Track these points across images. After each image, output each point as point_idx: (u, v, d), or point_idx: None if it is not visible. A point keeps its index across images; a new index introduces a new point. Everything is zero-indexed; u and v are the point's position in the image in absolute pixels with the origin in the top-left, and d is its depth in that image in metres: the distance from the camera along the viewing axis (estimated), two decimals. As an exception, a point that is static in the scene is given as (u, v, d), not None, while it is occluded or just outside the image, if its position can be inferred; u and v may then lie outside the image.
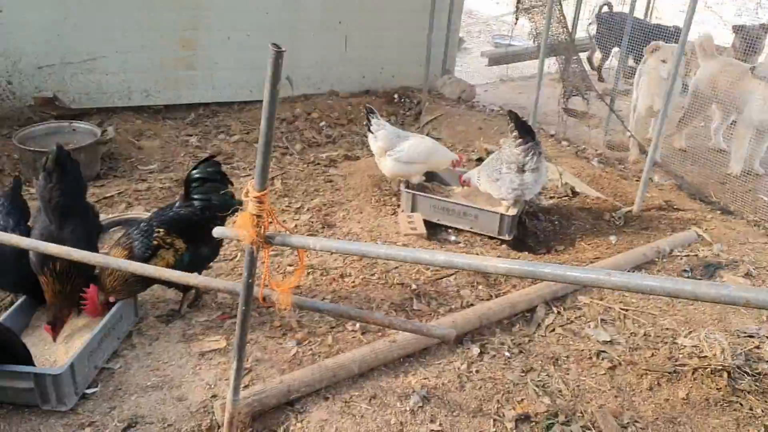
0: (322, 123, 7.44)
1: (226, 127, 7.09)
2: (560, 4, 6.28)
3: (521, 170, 4.81)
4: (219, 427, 3.13)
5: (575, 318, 4.09)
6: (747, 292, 1.56)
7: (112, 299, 3.66)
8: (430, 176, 5.68)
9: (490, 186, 5.04)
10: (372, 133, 5.31)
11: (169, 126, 7.00)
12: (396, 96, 8.25)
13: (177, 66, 7.26)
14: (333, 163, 6.44)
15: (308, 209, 5.37)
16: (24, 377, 3.12)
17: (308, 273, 4.39)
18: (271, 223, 2.60)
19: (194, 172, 3.86)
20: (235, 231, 2.63)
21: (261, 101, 7.15)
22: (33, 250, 3.11)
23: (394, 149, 5.26)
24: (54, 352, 3.53)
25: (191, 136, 6.81)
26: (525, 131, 4.82)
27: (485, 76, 9.84)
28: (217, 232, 2.84)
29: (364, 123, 5.41)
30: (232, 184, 4.01)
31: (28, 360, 3.24)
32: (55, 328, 3.49)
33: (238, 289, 2.80)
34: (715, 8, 12.61)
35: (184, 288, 3.92)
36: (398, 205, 5.45)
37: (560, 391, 3.49)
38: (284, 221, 5.13)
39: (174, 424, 3.14)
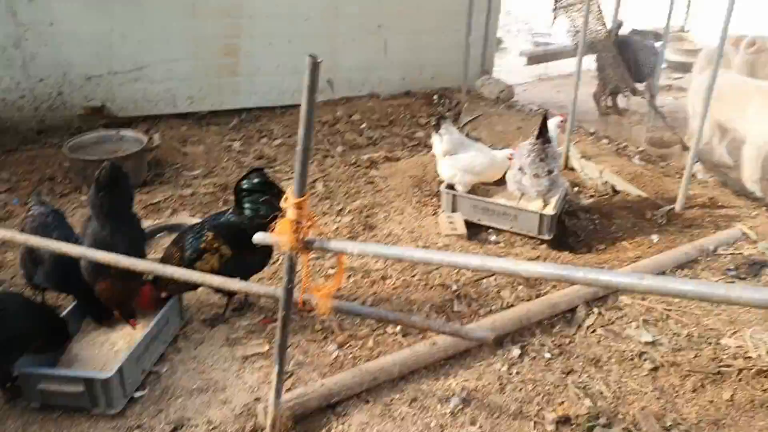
0: (363, 125, 7.50)
1: (268, 131, 7.22)
2: (597, 1, 6.23)
3: (522, 171, 4.85)
4: (262, 429, 3.20)
5: (616, 318, 4.06)
6: (781, 296, 1.55)
7: (164, 295, 3.82)
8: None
9: (511, 184, 5.09)
10: (439, 135, 5.40)
11: (213, 132, 7.16)
12: (436, 97, 8.25)
13: (220, 72, 7.43)
14: (374, 164, 6.50)
15: (349, 211, 5.44)
16: (74, 381, 3.25)
17: (349, 276, 4.46)
18: (310, 227, 2.66)
19: (242, 182, 3.96)
20: (274, 237, 2.70)
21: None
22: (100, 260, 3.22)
23: (455, 156, 5.34)
24: (104, 356, 3.66)
25: (234, 141, 6.95)
26: (540, 133, 4.85)
27: (524, 75, 9.78)
28: (257, 238, 2.91)
29: (433, 124, 5.51)
30: (282, 192, 4.08)
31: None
32: (133, 318, 3.72)
33: (279, 294, 2.88)
34: None
35: (229, 293, 4.03)
36: (439, 206, 5.48)
37: (601, 392, 3.48)
38: (326, 223, 5.22)
39: (219, 427, 3.24)
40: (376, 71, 8.24)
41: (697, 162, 5.60)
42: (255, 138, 7.09)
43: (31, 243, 3.23)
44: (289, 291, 2.78)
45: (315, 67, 2.38)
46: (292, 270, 2.75)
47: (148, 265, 3.19)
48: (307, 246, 2.66)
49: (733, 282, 4.37)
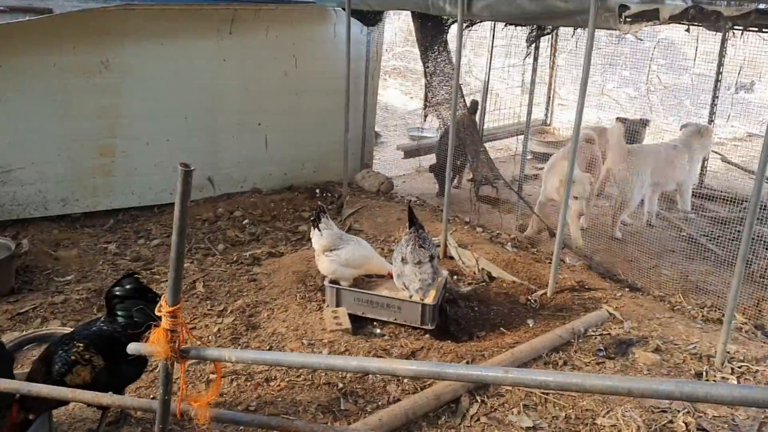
0: (246, 221, 7.49)
1: (146, 232, 7.04)
2: (464, 100, 6.70)
3: (404, 261, 5.03)
4: None
5: (498, 405, 4.17)
6: (629, 382, 1.69)
7: (32, 417, 3.53)
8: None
9: (395, 280, 5.22)
10: (318, 230, 5.46)
11: (87, 234, 6.89)
12: (318, 191, 8.43)
13: (95, 173, 7.24)
14: (257, 261, 6.46)
15: (231, 311, 5.34)
16: None
17: (232, 380, 4.33)
18: (186, 335, 2.61)
19: (114, 289, 3.83)
20: (149, 346, 2.62)
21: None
22: None
23: (334, 251, 5.40)
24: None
25: (110, 243, 6.72)
26: (412, 222, 5.17)
27: (403, 168, 10.18)
28: (131, 348, 2.82)
29: (312, 219, 5.60)
30: (158, 297, 3.97)
31: None
32: None
33: (155, 406, 2.77)
34: (613, 94, 13.58)
35: (104, 406, 3.80)
36: (323, 300, 5.50)
37: (487, 482, 3.53)
38: (206, 325, 5.08)
39: None
40: (257, 167, 8.32)
41: (564, 248, 5.99)
42: (132, 239, 6.88)
43: None
44: (165, 403, 2.68)
45: (187, 174, 2.41)
46: (168, 380, 2.66)
47: (10, 384, 2.98)
48: (183, 355, 2.60)
49: (603, 362, 4.64)
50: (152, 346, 2.58)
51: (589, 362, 4.59)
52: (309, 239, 6.90)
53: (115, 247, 6.62)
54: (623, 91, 14.04)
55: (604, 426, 3.91)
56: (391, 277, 5.32)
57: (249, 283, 5.92)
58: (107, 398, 2.89)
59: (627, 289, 5.83)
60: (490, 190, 7.28)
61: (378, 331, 5.18)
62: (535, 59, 7.49)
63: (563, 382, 1.76)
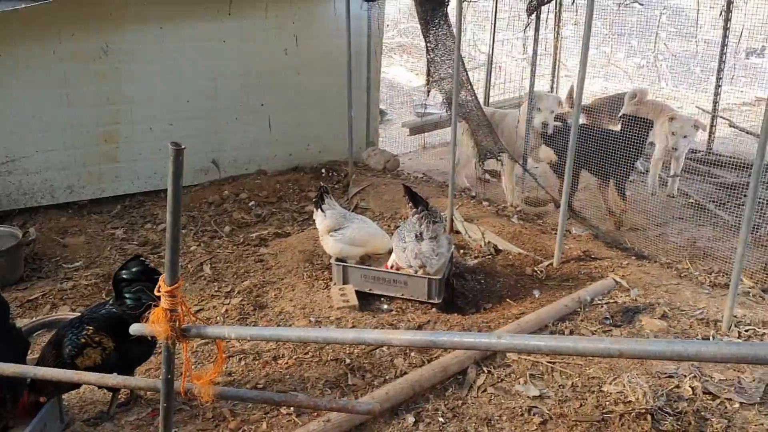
0: (251, 203, 7.50)
1: (152, 216, 7.08)
2: (467, 73, 6.63)
3: (419, 239, 4.99)
4: None
5: (505, 375, 4.18)
6: (619, 344, 1.69)
7: (43, 399, 3.59)
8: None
9: (398, 255, 5.18)
10: (322, 211, 5.44)
11: (95, 220, 6.94)
12: (323, 170, 8.42)
13: (100, 160, 7.26)
14: (263, 242, 6.48)
15: (239, 292, 5.37)
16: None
17: (240, 359, 4.37)
18: (186, 314, 2.63)
19: (121, 272, 3.86)
20: (149, 327, 2.64)
21: (188, 187, 7.22)
22: None
23: (338, 230, 5.40)
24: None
25: (117, 228, 6.76)
26: (417, 201, 5.09)
27: (409, 145, 10.15)
28: (133, 329, 2.84)
29: (314, 200, 5.58)
30: None
31: None
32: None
33: (159, 385, 2.80)
34: (621, 64, 13.42)
35: (111, 387, 3.85)
36: (330, 279, 5.51)
37: (494, 451, 3.55)
38: (214, 306, 5.12)
39: None
40: (262, 148, 8.31)
41: (569, 218, 5.97)
42: (139, 224, 6.92)
43: None
44: (168, 382, 2.71)
45: (178, 153, 2.41)
46: (170, 360, 2.68)
47: (21, 369, 3.02)
48: (184, 334, 2.62)
49: (610, 330, 4.63)
50: (152, 326, 2.59)
51: (595, 331, 4.58)
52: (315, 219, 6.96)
53: (122, 232, 6.67)
54: (632, 61, 13.88)
55: (610, 393, 3.91)
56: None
57: (256, 264, 5.94)
58: (112, 379, 2.92)
59: (633, 258, 5.80)
60: (494, 163, 7.24)
61: (385, 306, 5.19)
62: (536, 30, 7.38)
63: (555, 346, 1.75)
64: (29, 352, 4.35)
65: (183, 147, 2.41)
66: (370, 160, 8.64)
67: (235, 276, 5.71)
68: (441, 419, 3.79)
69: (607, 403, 3.86)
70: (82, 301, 5.26)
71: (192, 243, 6.42)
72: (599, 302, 4.96)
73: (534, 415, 3.81)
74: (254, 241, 6.47)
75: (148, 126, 7.42)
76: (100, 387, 3.88)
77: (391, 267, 5.31)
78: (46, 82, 6.74)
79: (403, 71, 15.81)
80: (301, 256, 5.97)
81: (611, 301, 4.97)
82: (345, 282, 5.36)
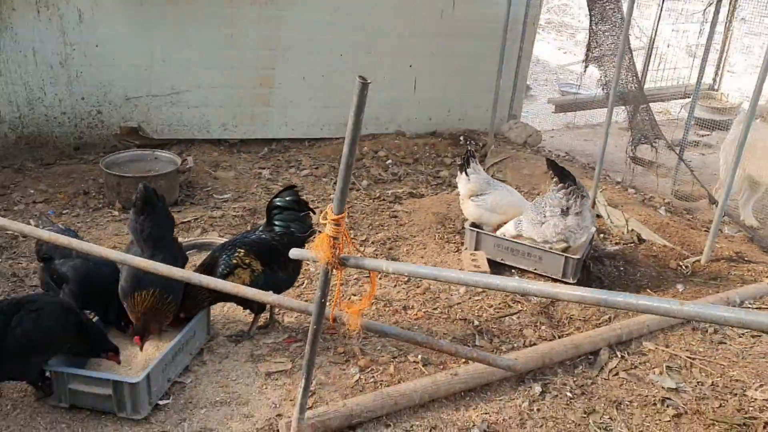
0: (389, 161, 7.60)
1: (296, 162, 7.34)
2: (631, 53, 6.33)
3: (565, 213, 4.85)
4: (283, 444, 3.22)
5: (639, 363, 4.04)
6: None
7: (182, 316, 3.86)
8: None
9: (534, 230, 5.05)
10: (466, 175, 5.45)
11: (244, 159, 7.30)
12: (462, 138, 8.38)
13: (254, 102, 7.60)
14: (398, 199, 6.57)
15: (373, 242, 5.50)
16: (103, 384, 3.29)
17: (372, 303, 4.48)
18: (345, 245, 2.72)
19: (275, 200, 4.04)
20: (311, 252, 2.76)
21: (331, 139, 7.43)
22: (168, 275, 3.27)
23: (480, 196, 5.39)
24: (127, 370, 3.68)
25: (264, 169, 7.07)
26: (564, 176, 4.94)
27: (550, 123, 9.89)
28: (293, 253, 2.97)
29: (459, 164, 5.57)
30: (313, 212, 4.18)
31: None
32: (143, 338, 3.67)
33: (311, 309, 2.93)
34: None
35: (256, 310, 4.08)
36: (461, 243, 5.51)
37: (623, 434, 3.45)
38: (348, 252, 5.25)
39: (240, 439, 3.25)
40: (403, 109, 8.37)
41: (724, 216, 5.62)
42: (284, 167, 7.20)
43: (84, 248, 3.30)
44: (321, 305, 2.82)
45: (364, 87, 2.46)
46: (326, 285, 2.79)
47: (183, 273, 3.25)
48: (343, 262, 2.71)
49: (759, 336, 4.35)
50: (315, 251, 2.70)
51: (743, 333, 4.32)
52: (450, 185, 6.96)
53: (268, 173, 6.97)
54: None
55: (755, 398, 3.68)
56: None
57: (390, 219, 6.04)
58: (269, 296, 3.08)
59: (793, 266, 5.39)
60: (648, 150, 6.90)
61: (516, 277, 5.13)
62: (713, 24, 6.94)
63: (746, 320, 1.66)
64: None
65: (368, 81, 2.46)
66: (510, 133, 8.50)
67: (370, 227, 5.83)
68: (569, 394, 3.73)
69: (751, 408, 3.65)
70: (229, 229, 5.57)
71: (331, 191, 6.62)
72: (750, 306, 4.65)
73: (668, 406, 3.67)
74: (389, 198, 6.57)
75: (302, 75, 7.66)
76: (244, 307, 4.12)
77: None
78: (215, 21, 7.08)
79: (550, 49, 15.38)
80: (434, 218, 6.01)
81: (764, 306, 4.65)
82: (476, 248, 5.33)
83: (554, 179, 5.04)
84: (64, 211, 5.73)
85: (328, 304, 2.89)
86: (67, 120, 6.84)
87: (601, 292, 1.94)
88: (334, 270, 2.75)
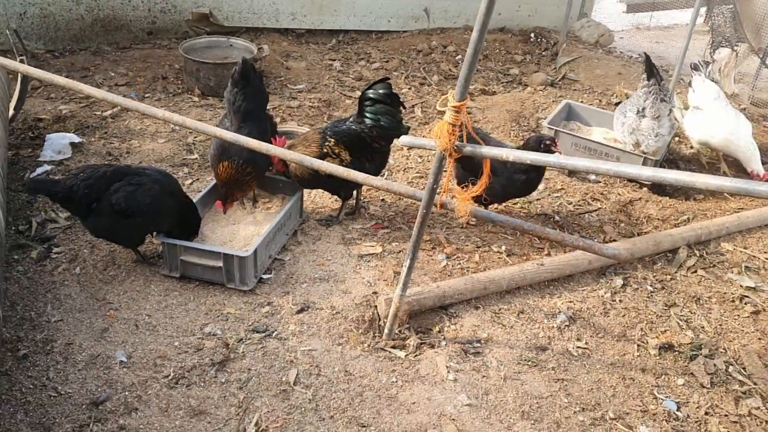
0: (458, 56, 7.50)
1: (366, 55, 7.30)
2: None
3: (641, 114, 4.83)
4: (379, 319, 3.45)
5: (718, 263, 4.15)
6: None
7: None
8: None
9: (616, 126, 5.07)
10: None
11: (313, 50, 7.28)
12: (532, 35, 8.18)
13: (323, -9, 7.50)
14: (470, 95, 6.54)
15: (448, 138, 5.55)
16: (214, 257, 3.52)
17: (453, 196, 4.59)
18: (461, 134, 2.79)
19: (368, 92, 4.08)
20: (426, 140, 2.85)
21: (398, 32, 7.33)
22: (234, 142, 3.47)
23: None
24: (228, 237, 3.92)
25: (334, 60, 7.07)
26: (652, 73, 4.87)
27: (619, 24, 9.56)
28: (404, 140, 3.08)
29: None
30: (404, 107, 4.22)
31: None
32: (226, 203, 3.94)
33: (419, 195, 3.05)
34: None
35: (344, 197, 4.24)
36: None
37: (703, 327, 3.61)
38: (427, 146, 5.34)
39: (341, 312, 3.49)
40: (472, 3, 8.15)
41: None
42: (353, 60, 7.18)
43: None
44: (432, 191, 2.94)
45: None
46: (439, 171, 2.90)
47: (280, 151, 3.39)
48: (459, 149, 2.80)
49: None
50: (435, 138, 2.78)
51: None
52: (520, 83, 6.91)
53: (339, 65, 6.97)
54: None
55: (834, 300, 3.79)
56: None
57: (463, 115, 6.05)
58: (377, 181, 3.21)
59: None
60: (728, 53, 6.69)
61: (593, 177, 5.17)
62: None
63: None
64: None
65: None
66: (582, 32, 8.27)
67: (444, 122, 5.87)
68: (650, 287, 3.88)
69: (828, 309, 3.76)
70: (306, 120, 5.67)
71: (403, 85, 6.62)
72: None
73: (746, 303, 3.80)
74: (461, 94, 6.54)
75: (372, -36, 7.49)
76: (332, 193, 4.28)
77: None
78: None
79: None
80: (508, 116, 6.00)
81: None
82: (552, 146, 5.36)
83: (644, 75, 4.98)
84: (146, 95, 5.87)
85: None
86: (140, 4, 6.85)
87: (741, 181, 2.01)
88: (449, 157, 2.83)
